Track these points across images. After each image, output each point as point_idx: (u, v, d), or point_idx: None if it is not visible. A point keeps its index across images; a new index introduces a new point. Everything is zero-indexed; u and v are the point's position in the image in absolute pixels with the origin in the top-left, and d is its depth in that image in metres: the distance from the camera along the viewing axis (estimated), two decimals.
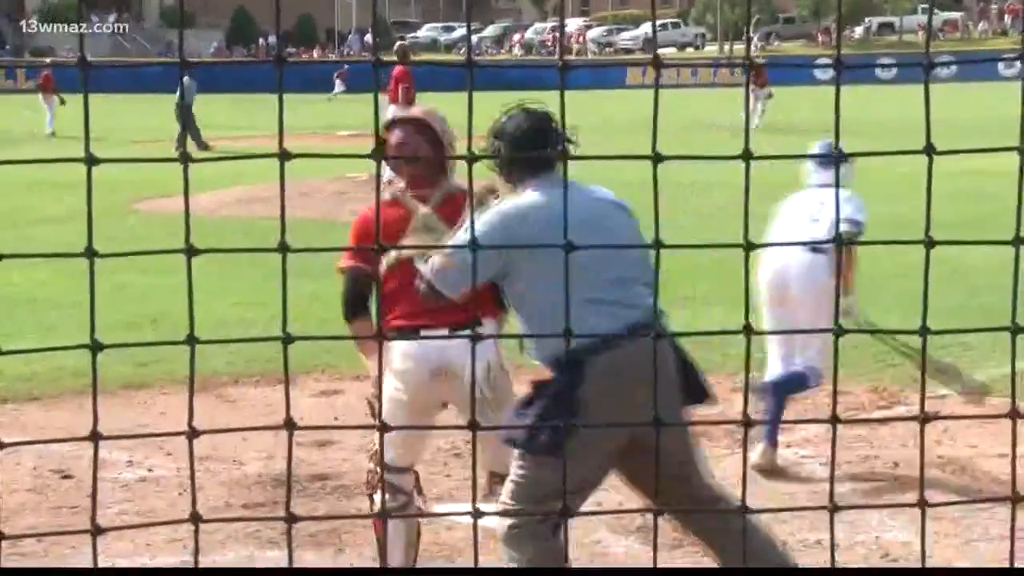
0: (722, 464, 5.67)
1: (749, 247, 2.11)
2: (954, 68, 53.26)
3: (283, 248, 2.03)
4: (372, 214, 4.20)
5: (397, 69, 18.23)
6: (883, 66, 53.04)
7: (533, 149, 3.82)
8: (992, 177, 15.43)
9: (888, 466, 5.97)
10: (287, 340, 2.08)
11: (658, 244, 2.15)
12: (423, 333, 4.16)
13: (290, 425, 2.11)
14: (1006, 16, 68.55)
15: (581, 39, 69.19)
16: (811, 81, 51.63)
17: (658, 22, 71.27)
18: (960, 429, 6.41)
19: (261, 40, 71.15)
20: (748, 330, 2.17)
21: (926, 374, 2.31)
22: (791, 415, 6.22)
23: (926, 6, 68.84)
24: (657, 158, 2.09)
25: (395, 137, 4.39)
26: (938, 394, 6.43)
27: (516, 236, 3.63)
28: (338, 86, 49.11)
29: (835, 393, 2.40)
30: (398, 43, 20.43)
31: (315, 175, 16.65)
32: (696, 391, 3.86)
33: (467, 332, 3.97)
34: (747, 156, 2.04)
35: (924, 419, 2.19)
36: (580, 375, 3.62)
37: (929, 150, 2.06)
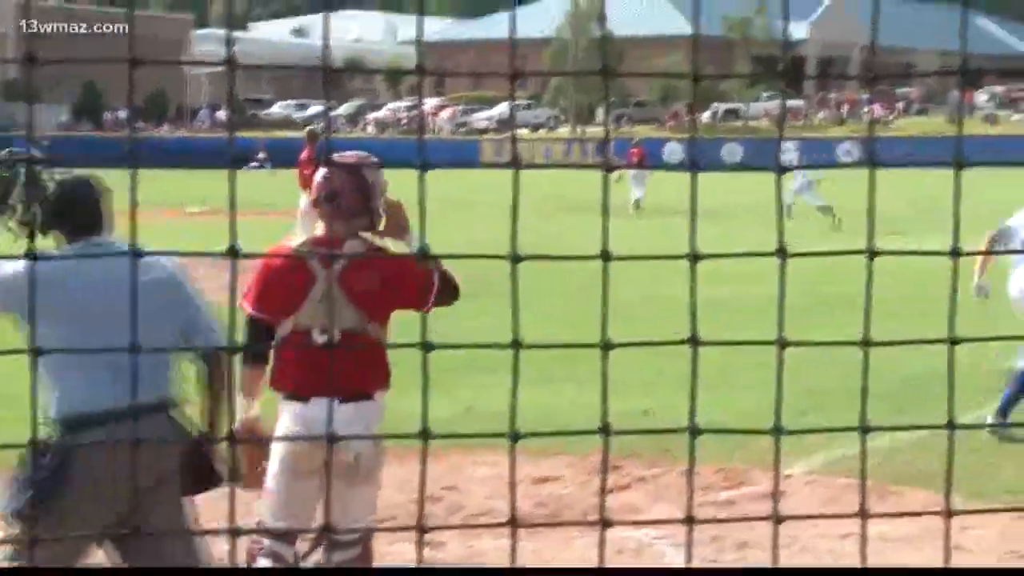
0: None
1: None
2: (796, 154, 55.14)
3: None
4: (277, 264, 4.45)
5: (305, 153, 17.71)
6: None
7: (64, 214, 3.93)
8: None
9: (734, 546, 6.03)
10: None
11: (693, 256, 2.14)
12: (313, 401, 4.26)
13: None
14: (843, 106, 71.41)
15: (435, 118, 69.76)
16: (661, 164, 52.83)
17: (511, 103, 72.29)
18: (806, 509, 6.52)
19: (109, 114, 70.02)
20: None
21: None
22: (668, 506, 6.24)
23: (770, 93, 71.32)
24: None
25: (319, 176, 4.47)
26: (785, 474, 6.54)
27: (22, 297, 3.55)
28: (261, 160, 49.15)
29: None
30: (308, 128, 19.82)
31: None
32: (202, 477, 3.91)
33: (356, 404, 4.23)
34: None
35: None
36: (73, 447, 3.64)
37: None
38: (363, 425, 4.30)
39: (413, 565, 4.40)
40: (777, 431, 2.21)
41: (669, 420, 8.38)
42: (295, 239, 4.67)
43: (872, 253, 2.09)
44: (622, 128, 65.17)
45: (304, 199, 16.53)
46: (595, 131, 66.33)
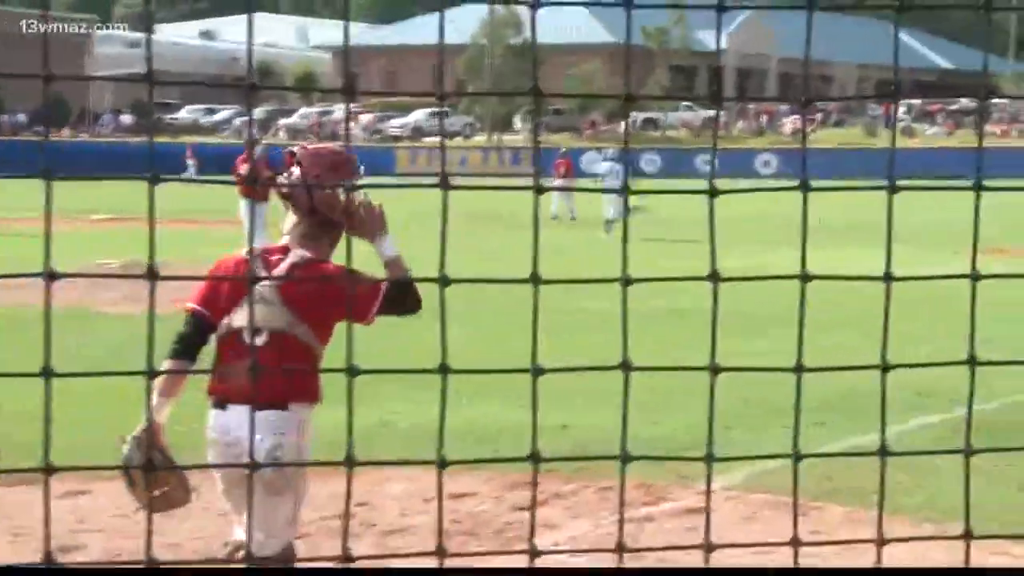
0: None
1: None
2: (716, 164, 55.83)
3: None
4: (227, 263, 4.59)
5: (242, 159, 17.60)
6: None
7: None
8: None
9: (652, 563, 6.05)
10: None
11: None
12: (229, 408, 4.36)
13: None
14: (762, 116, 72.35)
15: (339, 128, 69.44)
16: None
17: (428, 110, 72.21)
18: (727, 526, 6.57)
19: (7, 117, 68.72)
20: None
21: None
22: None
23: (689, 104, 71.98)
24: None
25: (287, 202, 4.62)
26: (700, 489, 6.58)
27: None
28: (191, 167, 48.57)
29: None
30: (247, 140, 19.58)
31: (68, 262, 16.04)
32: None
33: (268, 412, 4.28)
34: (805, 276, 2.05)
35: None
36: None
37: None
38: (269, 436, 4.30)
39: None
40: (709, 458, 2.22)
41: (588, 436, 8.40)
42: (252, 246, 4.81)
43: (806, 277, 2.11)
44: (540, 137, 65.39)
45: (244, 205, 16.74)
46: (512, 139, 66.52)
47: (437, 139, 65.84)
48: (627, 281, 2.10)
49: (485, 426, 8.51)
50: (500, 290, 13.37)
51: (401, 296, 4.45)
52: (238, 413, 4.28)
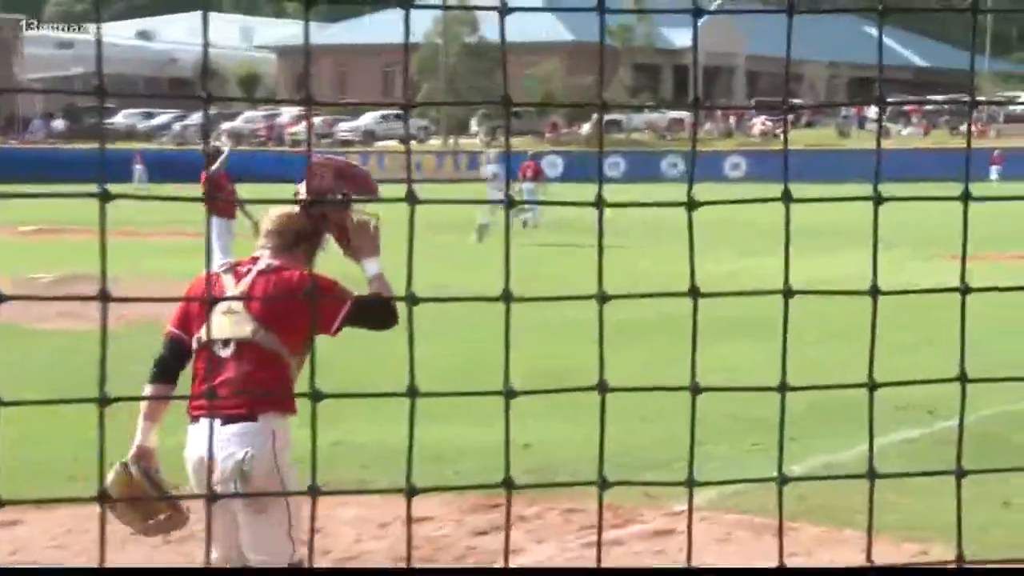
0: None
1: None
2: (681, 167, 56.02)
3: None
4: (195, 284, 4.68)
5: (203, 175, 16.80)
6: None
7: None
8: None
9: None
10: None
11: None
12: (201, 422, 4.44)
13: None
14: (730, 117, 72.73)
15: (290, 129, 69.21)
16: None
17: (379, 113, 72.12)
18: (700, 549, 6.58)
19: None
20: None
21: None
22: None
23: (653, 104, 72.31)
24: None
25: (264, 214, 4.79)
26: (674, 510, 6.59)
27: None
28: (140, 173, 48.33)
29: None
30: (212, 144, 19.08)
31: None
32: None
33: (238, 425, 4.38)
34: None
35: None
36: None
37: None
38: (237, 451, 4.37)
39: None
40: (690, 483, 2.22)
41: (551, 454, 8.40)
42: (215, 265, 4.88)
43: (788, 292, 2.11)
44: (497, 141, 65.44)
45: (215, 220, 15.95)
46: (469, 143, 66.53)
47: (389, 143, 65.73)
48: (603, 298, 2.09)
49: (446, 445, 8.49)
50: (468, 308, 13.34)
51: (375, 310, 4.53)
52: (206, 428, 4.35)
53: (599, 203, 2.03)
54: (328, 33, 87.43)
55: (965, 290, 2.28)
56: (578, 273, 17.83)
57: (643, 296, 2.33)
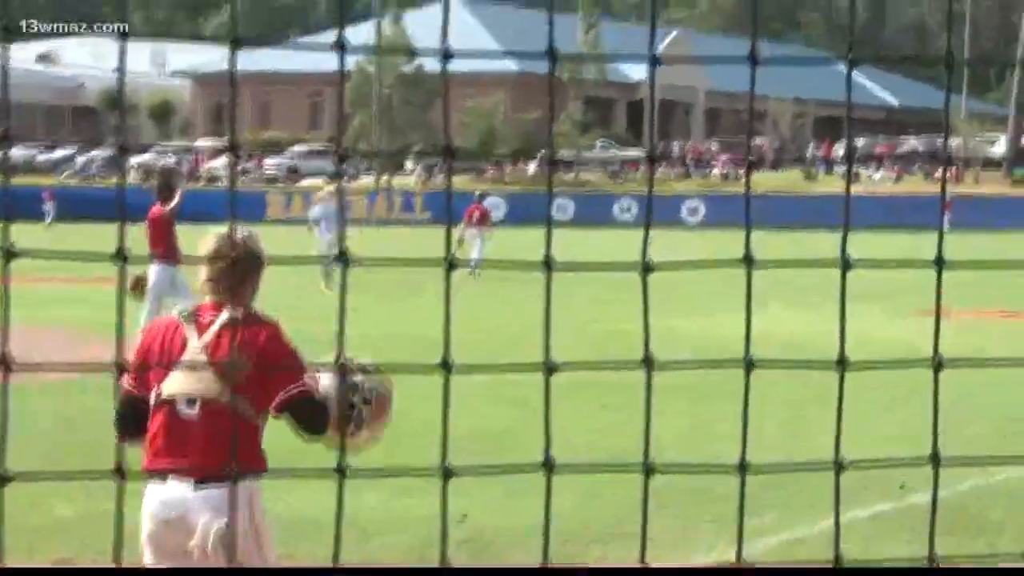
0: None
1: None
2: (635, 211, 56.34)
3: None
4: (158, 327, 4.90)
5: (157, 208, 15.98)
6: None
7: None
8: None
9: None
10: None
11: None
12: (169, 481, 4.64)
13: None
14: (688, 157, 73.30)
15: (210, 164, 68.98)
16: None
17: (304, 148, 72.06)
18: None
19: None
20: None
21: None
22: None
23: (605, 143, 72.81)
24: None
25: (203, 251, 4.88)
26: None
27: None
28: (49, 210, 47.99)
29: None
30: (161, 177, 17.65)
31: None
32: None
33: (210, 489, 4.59)
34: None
35: None
36: None
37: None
38: (212, 511, 4.60)
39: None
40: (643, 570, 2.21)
41: (489, 523, 8.36)
42: (178, 306, 5.11)
43: (750, 364, 2.12)
44: (434, 180, 65.58)
45: (162, 268, 14.92)
46: (404, 181, 66.56)
47: (312, 181, 65.62)
48: (550, 369, 2.09)
49: (371, 516, 8.43)
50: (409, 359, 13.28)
51: (311, 415, 4.81)
52: (180, 489, 4.64)
53: (547, 263, 2.02)
54: (250, 59, 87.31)
55: (938, 366, 2.29)
56: (524, 325, 17.85)
57: (590, 367, 2.33)
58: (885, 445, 10.70)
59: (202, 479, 4.61)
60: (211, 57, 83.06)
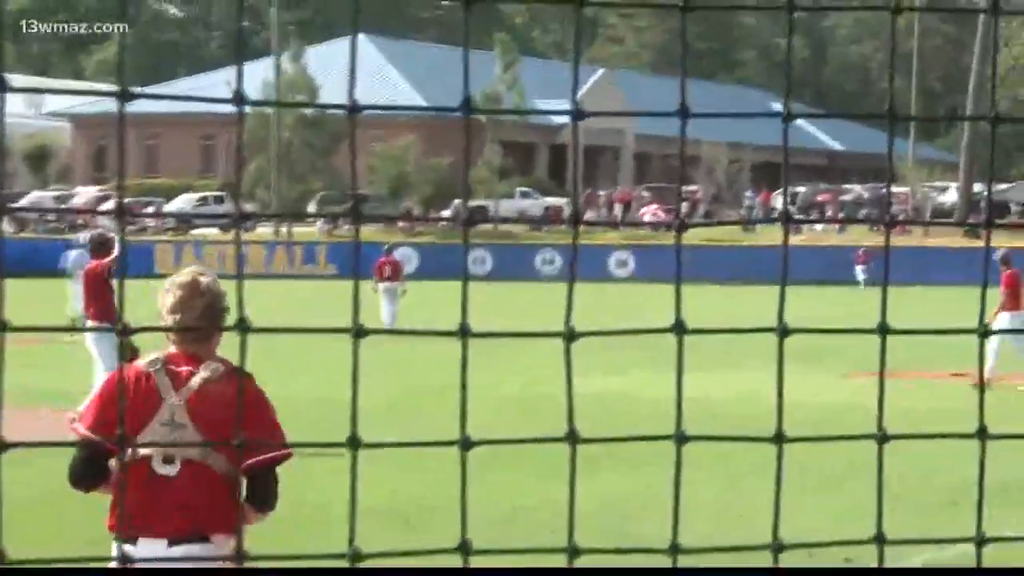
0: None
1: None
2: (558, 263, 56.59)
3: None
4: (122, 382, 4.77)
5: (94, 265, 16.07)
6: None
7: None
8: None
9: None
10: None
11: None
12: (141, 542, 4.74)
13: None
14: (616, 205, 73.77)
15: (91, 214, 68.35)
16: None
17: (195, 195, 71.76)
18: None
19: None
20: None
21: None
22: None
23: (525, 189, 73.15)
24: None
25: (170, 298, 5.04)
26: None
27: None
28: None
29: None
30: (97, 232, 17.49)
31: None
32: None
33: (188, 547, 4.74)
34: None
35: None
36: None
37: None
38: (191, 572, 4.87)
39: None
40: None
41: None
42: (144, 356, 5.10)
43: (682, 438, 2.14)
44: (339, 229, 65.48)
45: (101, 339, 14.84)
46: (305, 232, 66.40)
47: (206, 232, 65.36)
48: (466, 444, 2.10)
49: None
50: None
51: (274, 490, 5.00)
52: (152, 548, 4.74)
53: (463, 332, 2.04)
54: (137, 100, 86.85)
55: (883, 438, 2.33)
56: (435, 387, 17.83)
57: (506, 442, 2.34)
58: (832, 520, 10.79)
59: (177, 538, 4.77)
60: (90, 97, 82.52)
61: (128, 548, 4.69)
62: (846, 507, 11.29)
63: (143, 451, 4.79)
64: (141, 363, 5.01)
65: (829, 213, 72.11)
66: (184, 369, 4.92)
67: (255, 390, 4.89)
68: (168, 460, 4.80)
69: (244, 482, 4.91)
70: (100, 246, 16.50)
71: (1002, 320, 20.13)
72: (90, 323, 15.66)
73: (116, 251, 16.08)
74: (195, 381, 4.88)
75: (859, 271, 51.49)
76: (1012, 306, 20.29)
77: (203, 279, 5.12)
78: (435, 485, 11.53)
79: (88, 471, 4.90)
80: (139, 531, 4.74)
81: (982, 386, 2.67)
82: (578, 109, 2.29)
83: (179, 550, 4.74)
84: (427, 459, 12.56)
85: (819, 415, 16.10)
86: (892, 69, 2.55)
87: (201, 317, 5.00)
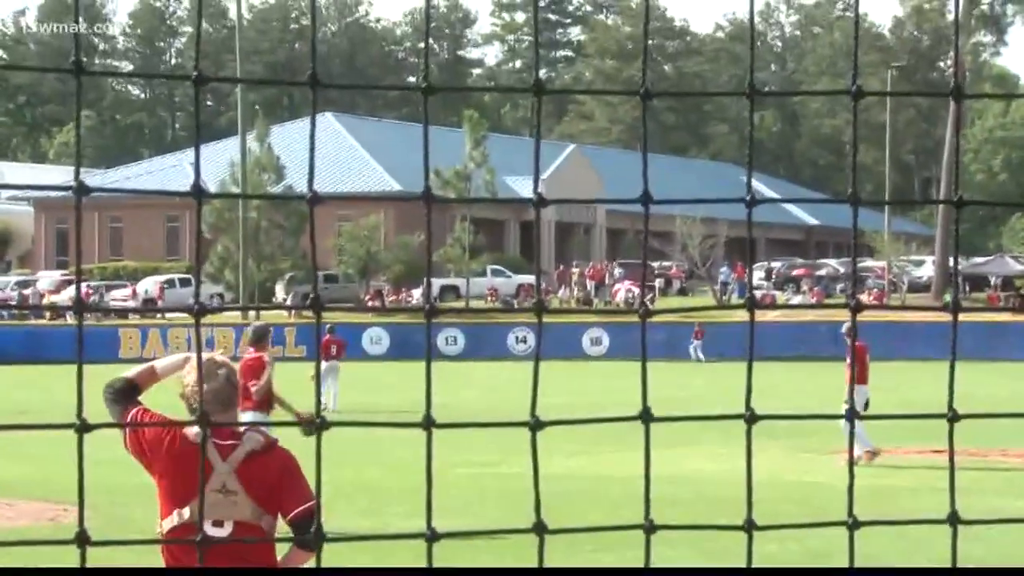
0: None
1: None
2: (531, 341, 56.57)
3: None
4: (174, 454, 5.56)
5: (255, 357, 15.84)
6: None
7: None
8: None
9: None
10: None
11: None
12: None
13: None
14: (588, 282, 73.82)
15: (50, 298, 68.11)
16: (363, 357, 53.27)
17: (163, 278, 71.63)
18: None
19: None
20: None
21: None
22: None
23: (496, 267, 73.20)
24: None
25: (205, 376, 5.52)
26: None
27: None
28: None
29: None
30: (257, 325, 17.39)
31: None
32: None
33: None
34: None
35: None
36: None
37: None
38: None
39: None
40: None
41: None
42: (189, 430, 5.65)
43: (651, 527, 2.16)
44: (307, 312, 65.22)
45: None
46: (274, 315, 66.26)
47: (172, 316, 65.14)
48: (432, 536, 2.11)
49: None
50: None
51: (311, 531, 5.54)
52: None
53: (428, 424, 2.05)
54: (100, 181, 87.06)
55: (854, 524, 2.34)
56: (388, 476, 17.76)
57: (475, 535, 2.36)
58: None
59: None
60: (53, 178, 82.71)
61: None
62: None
63: (192, 517, 5.40)
64: (189, 434, 5.58)
65: (805, 288, 72.35)
66: (229, 443, 5.59)
67: (290, 456, 5.67)
68: (218, 524, 5.46)
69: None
70: (260, 339, 16.67)
71: (861, 392, 20.04)
72: (249, 414, 15.29)
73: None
74: (239, 453, 5.57)
75: (693, 347, 53.70)
76: (862, 379, 20.36)
77: (219, 359, 5.92)
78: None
79: (121, 393, 5.69)
80: None
81: (952, 470, 2.67)
82: (540, 197, 2.32)
83: None
84: (397, 548, 12.50)
85: (801, 493, 16.11)
86: (855, 154, 2.59)
87: (234, 392, 5.82)
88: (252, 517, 5.48)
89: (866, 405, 20.22)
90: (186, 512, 5.40)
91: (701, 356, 52.58)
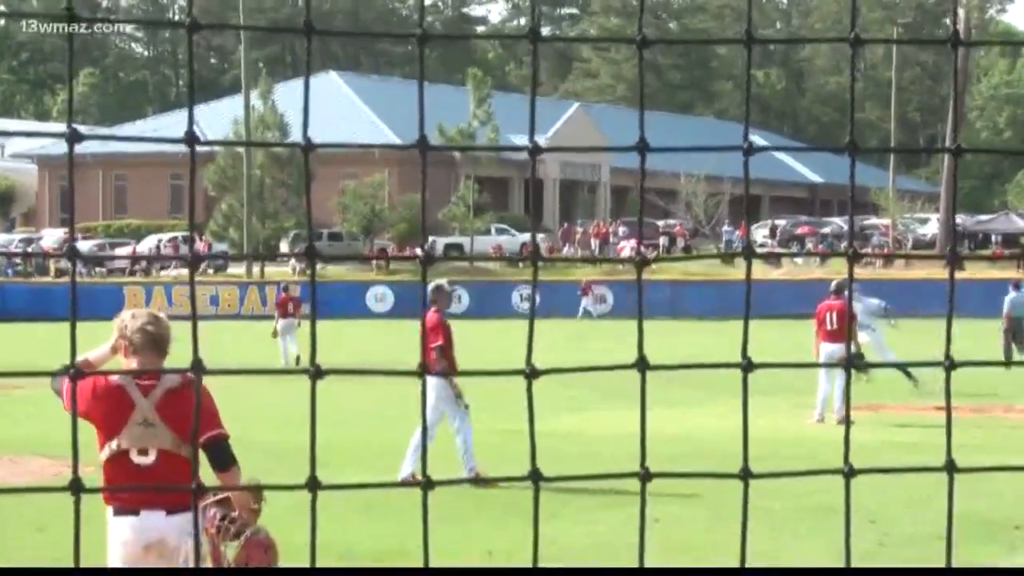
0: None
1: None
2: (537, 300, 56.56)
3: None
4: (100, 383, 6.30)
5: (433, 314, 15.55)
6: None
7: None
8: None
9: None
10: None
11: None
12: (143, 514, 6.15)
13: None
14: (593, 240, 73.78)
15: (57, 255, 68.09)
16: (364, 313, 53.24)
17: (165, 236, 71.49)
18: None
19: None
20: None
21: None
22: None
23: (501, 225, 73.11)
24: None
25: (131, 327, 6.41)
26: None
27: None
28: None
29: None
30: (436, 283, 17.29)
31: None
32: None
33: (184, 515, 6.08)
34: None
35: None
36: None
37: None
38: (183, 534, 6.08)
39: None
40: None
41: None
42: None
43: (645, 474, 2.15)
44: (310, 269, 65.16)
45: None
46: (278, 272, 66.26)
47: (174, 273, 65.19)
48: (428, 483, 2.11)
49: None
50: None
51: (225, 453, 6.41)
52: (151, 517, 6.14)
53: (423, 372, 2.05)
54: (99, 141, 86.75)
55: (850, 472, 2.33)
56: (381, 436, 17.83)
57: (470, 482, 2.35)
58: (812, 555, 10.79)
59: (172, 509, 6.11)
60: (43, 140, 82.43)
61: (132, 518, 6.13)
62: (823, 548, 11.29)
63: (123, 446, 6.20)
64: (113, 378, 6.36)
65: (809, 246, 72.28)
66: (148, 382, 6.27)
67: (204, 391, 6.03)
68: (143, 452, 6.20)
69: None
70: (434, 297, 16.45)
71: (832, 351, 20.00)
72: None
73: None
74: (158, 391, 6.25)
75: (584, 304, 54.50)
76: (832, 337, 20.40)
77: (158, 314, 6.61)
78: (398, 527, 11.49)
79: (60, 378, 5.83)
80: (138, 506, 6.14)
81: (949, 418, 2.67)
82: (536, 145, 2.31)
83: (177, 518, 6.10)
84: (392, 499, 12.53)
85: (803, 450, 16.13)
86: (852, 102, 2.58)
87: (163, 341, 6.51)
88: (172, 446, 6.19)
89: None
90: (114, 444, 6.20)
91: (592, 311, 53.32)
